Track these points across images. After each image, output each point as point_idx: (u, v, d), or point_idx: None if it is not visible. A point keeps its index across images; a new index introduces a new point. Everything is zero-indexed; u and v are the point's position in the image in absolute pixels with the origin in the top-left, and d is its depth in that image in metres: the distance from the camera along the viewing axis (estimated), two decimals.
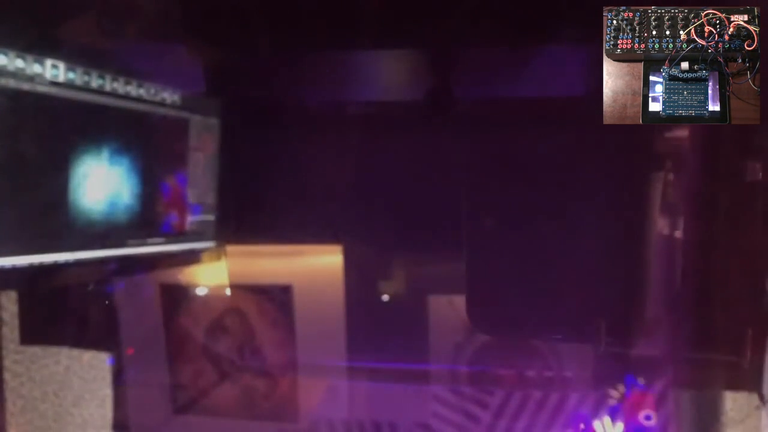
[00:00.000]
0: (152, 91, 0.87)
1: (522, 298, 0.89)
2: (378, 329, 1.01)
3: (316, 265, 1.03)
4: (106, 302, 1.04)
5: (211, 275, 1.06)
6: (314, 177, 1.00)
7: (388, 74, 0.95)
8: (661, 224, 0.86)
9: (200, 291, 1.08)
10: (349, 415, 1.03)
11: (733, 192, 0.67)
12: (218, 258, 1.05)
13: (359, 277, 1.02)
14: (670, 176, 0.84)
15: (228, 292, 1.07)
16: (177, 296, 1.08)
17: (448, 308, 0.98)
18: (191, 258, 1.03)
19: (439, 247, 0.97)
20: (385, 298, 1.01)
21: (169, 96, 0.90)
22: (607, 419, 0.94)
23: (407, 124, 0.96)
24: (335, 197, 0.99)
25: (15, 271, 0.73)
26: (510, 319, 0.91)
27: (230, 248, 1.04)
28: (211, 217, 0.99)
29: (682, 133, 0.79)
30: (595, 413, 0.95)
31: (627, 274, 0.86)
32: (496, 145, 0.90)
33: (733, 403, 0.78)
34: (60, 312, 1.01)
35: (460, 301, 0.94)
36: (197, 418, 1.07)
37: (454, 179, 0.92)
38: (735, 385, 0.76)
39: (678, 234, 0.85)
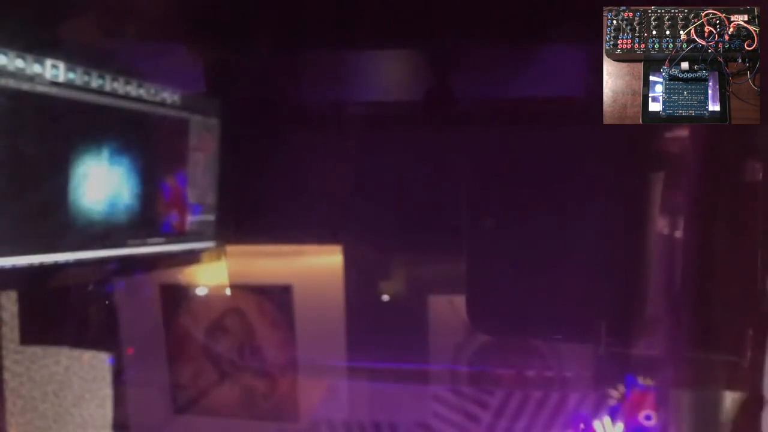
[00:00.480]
0: (152, 91, 0.87)
1: (522, 298, 0.89)
2: (378, 329, 1.01)
3: (316, 265, 1.03)
4: (106, 302, 1.04)
5: (211, 275, 1.06)
6: (314, 177, 0.99)
7: (388, 74, 0.95)
8: (660, 224, 0.86)
9: (200, 291, 1.08)
10: (349, 415, 1.03)
11: (733, 192, 0.67)
12: (218, 258, 1.05)
13: (359, 278, 1.02)
14: (670, 176, 0.84)
15: (228, 292, 1.07)
16: (177, 296, 1.08)
17: (449, 308, 0.98)
18: (191, 258, 1.03)
19: (439, 248, 0.97)
20: (385, 298, 1.01)
21: (169, 96, 0.90)
22: (607, 419, 0.94)
23: (407, 124, 0.96)
24: (335, 197, 0.99)
25: (15, 271, 0.73)
26: (510, 319, 0.91)
27: (230, 248, 1.04)
28: (211, 217, 0.99)
29: (682, 133, 0.79)
30: (595, 413, 0.95)
31: (627, 274, 0.86)
32: (496, 145, 0.90)
33: (733, 403, 0.78)
34: (60, 312, 1.01)
35: (460, 301, 0.94)
36: (197, 418, 1.07)
37: (454, 179, 0.92)
38: (735, 385, 0.76)
39: (678, 234, 0.85)
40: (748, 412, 0.67)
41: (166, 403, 1.07)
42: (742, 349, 0.70)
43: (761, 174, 0.65)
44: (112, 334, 1.04)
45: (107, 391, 1.02)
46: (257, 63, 0.95)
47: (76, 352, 1.01)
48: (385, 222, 0.98)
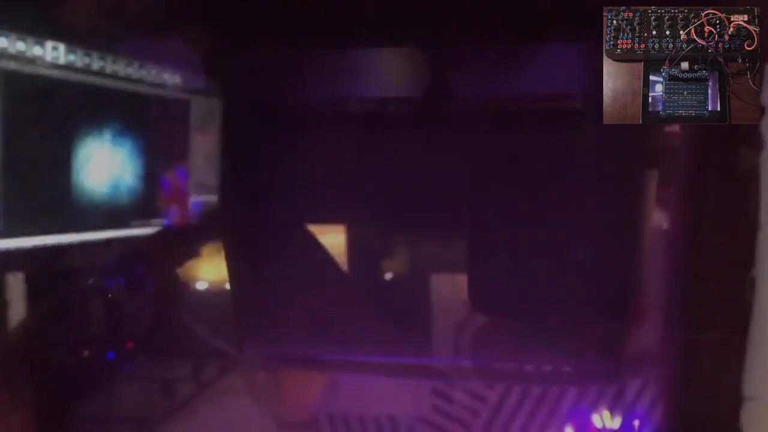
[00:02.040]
0: (153, 72, 0.87)
1: (522, 286, 0.89)
2: (379, 325, 1.01)
3: None
4: (107, 296, 1.04)
5: (211, 270, 1.07)
6: (319, 159, 0.98)
7: (392, 68, 0.95)
8: (658, 220, 0.87)
9: (200, 285, 1.08)
10: (349, 408, 1.03)
11: (728, 190, 0.67)
12: (219, 252, 1.05)
13: (362, 261, 1.01)
14: (664, 174, 0.84)
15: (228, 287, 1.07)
16: (177, 291, 1.08)
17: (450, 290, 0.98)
18: (192, 252, 1.03)
19: (440, 239, 0.97)
20: (388, 276, 1.01)
21: (170, 77, 0.90)
22: (606, 413, 0.95)
23: (412, 108, 0.96)
24: (340, 179, 0.97)
25: (20, 252, 0.73)
26: (511, 306, 0.92)
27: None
28: (213, 198, 0.99)
29: (679, 131, 0.79)
30: (594, 407, 0.96)
31: (625, 269, 0.87)
32: (497, 139, 0.90)
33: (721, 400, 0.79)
34: (62, 302, 1.01)
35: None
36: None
37: (459, 169, 0.93)
38: (722, 382, 0.76)
39: (677, 231, 0.85)
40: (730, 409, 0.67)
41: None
42: (728, 347, 0.70)
43: (757, 173, 0.65)
44: (113, 328, 1.04)
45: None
46: (259, 50, 0.94)
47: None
48: (388, 207, 0.98)
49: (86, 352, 1.03)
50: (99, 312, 1.04)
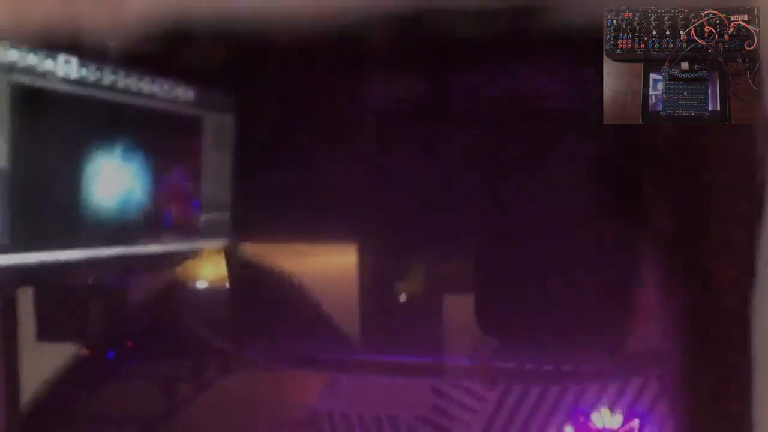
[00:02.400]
0: (165, 87, 0.86)
1: (526, 299, 0.90)
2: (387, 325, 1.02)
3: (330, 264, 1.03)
4: (108, 297, 1.04)
5: (211, 269, 1.07)
6: (328, 175, 0.98)
7: (398, 71, 0.95)
8: (658, 218, 0.87)
9: (200, 285, 1.09)
10: (349, 407, 1.03)
11: (727, 192, 0.67)
12: (218, 253, 1.05)
13: (372, 276, 1.01)
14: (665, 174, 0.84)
15: (228, 285, 1.07)
16: (178, 290, 1.08)
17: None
18: (192, 253, 1.03)
19: (447, 250, 0.97)
20: (402, 298, 1.01)
21: (183, 93, 0.89)
22: (606, 412, 0.95)
23: (417, 123, 0.96)
24: (349, 196, 0.97)
25: (27, 268, 0.73)
26: (516, 320, 0.92)
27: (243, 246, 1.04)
28: (225, 215, 0.98)
29: (679, 131, 0.79)
30: (594, 407, 0.96)
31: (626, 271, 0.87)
32: (496, 140, 0.90)
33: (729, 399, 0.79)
34: (64, 309, 1.01)
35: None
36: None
37: (460, 182, 0.93)
38: (729, 382, 0.77)
39: (678, 230, 0.85)
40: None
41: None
42: (728, 344, 0.70)
43: (757, 174, 0.65)
44: (113, 329, 1.05)
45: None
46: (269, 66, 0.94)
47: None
48: (400, 221, 0.98)
49: (86, 352, 1.03)
50: (99, 312, 1.05)
